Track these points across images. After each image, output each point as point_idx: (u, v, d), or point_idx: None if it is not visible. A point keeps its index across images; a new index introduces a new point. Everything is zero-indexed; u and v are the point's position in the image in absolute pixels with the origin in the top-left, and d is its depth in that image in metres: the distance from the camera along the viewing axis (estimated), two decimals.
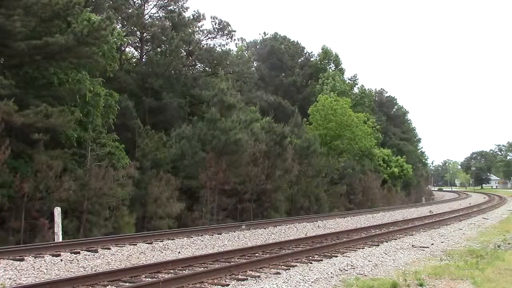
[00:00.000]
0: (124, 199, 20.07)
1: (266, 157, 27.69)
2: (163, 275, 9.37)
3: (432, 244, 14.62)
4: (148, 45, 32.44)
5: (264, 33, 54.32)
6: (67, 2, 17.67)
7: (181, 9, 33.29)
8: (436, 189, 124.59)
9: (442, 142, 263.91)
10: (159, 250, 13.21)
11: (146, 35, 31.64)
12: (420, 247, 13.90)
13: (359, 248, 13.54)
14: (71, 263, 10.93)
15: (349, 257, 11.80)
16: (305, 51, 55.33)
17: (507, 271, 9.89)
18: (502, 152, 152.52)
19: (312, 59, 54.78)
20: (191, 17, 34.33)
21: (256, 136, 27.55)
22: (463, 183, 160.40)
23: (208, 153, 24.98)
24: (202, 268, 10.11)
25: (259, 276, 9.29)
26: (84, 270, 10.21)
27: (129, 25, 30.70)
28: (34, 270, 9.99)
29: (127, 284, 8.67)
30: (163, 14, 33.35)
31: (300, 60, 54.29)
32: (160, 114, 28.09)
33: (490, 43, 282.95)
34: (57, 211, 15.57)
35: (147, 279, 9.10)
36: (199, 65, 36.82)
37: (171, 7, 33.51)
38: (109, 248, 12.87)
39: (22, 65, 17.87)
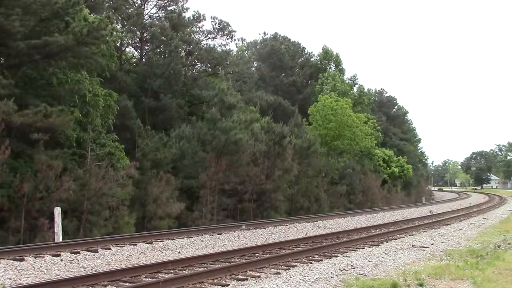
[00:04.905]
0: (124, 199, 20.07)
1: (266, 157, 27.70)
2: (163, 275, 9.36)
3: (432, 244, 14.61)
4: (148, 45, 32.46)
5: (264, 33, 54.44)
6: (66, 1, 17.65)
7: (181, 10, 33.31)
8: (436, 189, 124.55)
9: (442, 142, 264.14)
10: (159, 250, 13.20)
11: (146, 35, 31.64)
12: (420, 247, 13.89)
13: (359, 248, 13.53)
14: (71, 263, 10.92)
15: (349, 257, 11.79)
16: (305, 51, 55.36)
17: (507, 271, 9.88)
18: (502, 152, 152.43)
19: (312, 59, 54.76)
20: (191, 18, 34.40)
21: (256, 136, 27.54)
22: (463, 183, 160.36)
23: (208, 153, 24.98)
24: (202, 268, 10.10)
25: (259, 276, 9.28)
26: (84, 270, 10.19)
27: (129, 25, 30.69)
28: (34, 270, 9.98)
29: (127, 284, 8.65)
30: (163, 14, 33.37)
31: (300, 60, 54.25)
32: (160, 114, 28.09)
33: (490, 43, 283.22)
34: (57, 211, 15.56)
35: (147, 279, 9.09)
36: (199, 65, 36.88)
37: (171, 7, 33.53)
38: (109, 248, 12.85)
39: (22, 65, 17.86)
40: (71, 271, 10.01)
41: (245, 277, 9.17)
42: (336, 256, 11.92)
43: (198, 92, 30.31)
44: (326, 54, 54.11)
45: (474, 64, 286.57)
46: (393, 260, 11.47)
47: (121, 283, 8.74)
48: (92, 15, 20.89)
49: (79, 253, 11.98)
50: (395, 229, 18.90)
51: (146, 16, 32.72)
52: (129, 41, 32.08)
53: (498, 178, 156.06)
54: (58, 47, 17.42)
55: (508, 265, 10.59)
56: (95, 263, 11.02)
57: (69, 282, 8.37)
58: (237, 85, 35.91)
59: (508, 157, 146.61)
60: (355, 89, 53.68)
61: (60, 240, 15.04)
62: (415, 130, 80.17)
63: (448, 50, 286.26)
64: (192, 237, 15.69)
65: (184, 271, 9.89)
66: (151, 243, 14.06)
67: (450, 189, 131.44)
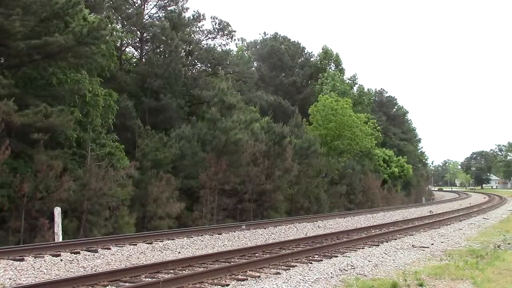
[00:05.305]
0: (124, 199, 20.06)
1: (266, 157, 27.70)
2: (163, 275, 9.36)
3: (432, 244, 14.61)
4: (148, 45, 32.44)
5: (264, 33, 54.38)
6: (66, 1, 17.65)
7: (181, 10, 33.29)
8: (436, 189, 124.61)
9: (442, 142, 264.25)
10: (159, 250, 13.20)
11: (146, 35, 31.63)
12: (420, 247, 13.89)
13: (359, 248, 13.53)
14: (71, 263, 10.92)
15: (349, 257, 11.79)
16: (305, 51, 55.30)
17: (507, 271, 9.89)
18: (502, 152, 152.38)
19: (312, 59, 54.72)
20: (191, 17, 34.38)
21: (256, 136, 27.54)
22: (463, 183, 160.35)
23: (208, 153, 24.99)
24: (202, 268, 10.10)
25: (259, 276, 9.28)
26: (84, 270, 10.19)
27: (129, 25, 30.69)
28: (34, 270, 9.98)
29: (127, 284, 8.65)
30: (163, 14, 33.36)
31: (300, 60, 54.22)
32: (160, 114, 28.08)
33: (490, 43, 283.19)
34: (57, 211, 15.56)
35: (147, 279, 9.08)
36: (199, 65, 36.84)
37: (171, 8, 33.52)
38: (109, 248, 12.86)
39: (22, 65, 17.85)
40: (71, 271, 10.01)
41: (245, 277, 9.17)
42: (336, 256, 11.92)
43: (198, 92, 30.29)
44: (326, 54, 54.06)
45: (474, 64, 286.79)
46: (393, 260, 11.47)
47: (121, 283, 8.74)
48: (92, 15, 20.87)
49: (79, 253, 11.98)
50: (395, 229, 18.90)
51: (146, 16, 32.73)
52: (129, 41, 32.08)
53: (498, 178, 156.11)
54: (58, 47, 17.41)
55: (508, 265, 10.59)
56: (95, 263, 11.02)
57: (69, 282, 8.37)
58: (237, 85, 35.88)
59: (508, 157, 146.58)
60: (355, 89, 53.61)
61: (60, 240, 15.04)
62: (415, 130, 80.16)
63: (448, 50, 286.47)
64: (192, 237, 15.69)
65: (184, 271, 9.89)
66: (151, 243, 14.06)
67: (450, 189, 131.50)
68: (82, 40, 17.89)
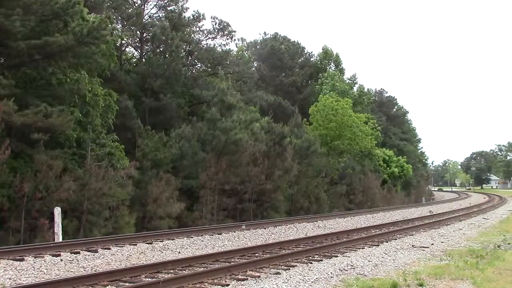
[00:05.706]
0: (124, 199, 20.07)
1: (266, 157, 27.70)
2: (163, 275, 9.36)
3: (432, 244, 14.61)
4: (148, 45, 32.45)
5: (264, 33, 54.38)
6: (66, 1, 17.65)
7: (181, 9, 33.29)
8: (436, 189, 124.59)
9: (442, 142, 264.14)
10: (159, 250, 13.20)
11: (146, 35, 31.65)
12: (420, 247, 13.89)
13: (359, 248, 13.52)
14: (71, 263, 10.92)
15: (349, 257, 11.79)
16: (305, 51, 55.31)
17: (507, 271, 9.89)
18: (502, 152, 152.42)
19: (312, 59, 54.75)
20: (191, 17, 34.38)
21: (256, 136, 27.55)
22: (463, 183, 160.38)
23: (208, 153, 25.00)
24: (202, 268, 10.10)
25: (259, 276, 9.28)
26: (84, 270, 10.19)
27: (129, 25, 30.70)
28: (34, 270, 9.98)
29: (127, 284, 8.65)
30: (163, 14, 33.37)
31: (300, 60, 54.22)
32: (160, 114, 28.10)
33: (490, 43, 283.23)
34: (57, 211, 15.56)
35: (147, 279, 9.08)
36: (199, 65, 36.84)
37: (171, 7, 33.52)
38: (109, 248, 12.86)
39: (22, 65, 17.86)
40: (71, 271, 10.01)
41: (245, 277, 9.16)
42: (336, 256, 11.92)
43: (198, 92, 30.29)
44: (326, 54, 54.09)
45: (474, 64, 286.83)
46: (393, 260, 11.47)
47: (121, 283, 8.74)
48: (92, 14, 20.86)
49: (79, 253, 11.98)
50: (395, 229, 18.89)
51: (146, 16, 32.73)
52: (129, 41, 32.08)
53: (498, 178, 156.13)
54: (58, 47, 17.42)
55: (508, 265, 10.59)
56: (95, 263, 11.02)
57: (69, 282, 8.37)
58: (237, 85, 35.88)
59: (508, 157, 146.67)
60: (355, 89, 53.66)
61: (60, 240, 15.04)
62: (415, 130, 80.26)
63: (448, 50, 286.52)
64: (192, 237, 15.69)
65: (184, 271, 9.89)
66: (151, 243, 14.06)
67: (450, 189, 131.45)
68: (82, 40, 17.90)
